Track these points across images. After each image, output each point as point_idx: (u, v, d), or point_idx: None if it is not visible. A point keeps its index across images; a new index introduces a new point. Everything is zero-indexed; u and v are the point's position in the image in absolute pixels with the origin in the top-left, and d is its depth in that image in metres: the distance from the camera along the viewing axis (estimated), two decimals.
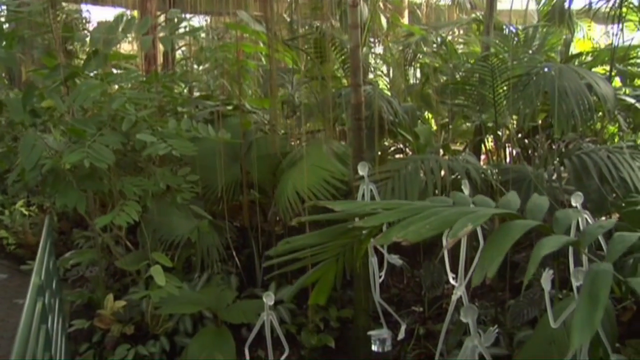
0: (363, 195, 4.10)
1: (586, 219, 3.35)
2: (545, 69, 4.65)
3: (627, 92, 6.33)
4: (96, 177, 4.61)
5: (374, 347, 4.29)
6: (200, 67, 8.03)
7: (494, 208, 2.33)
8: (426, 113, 7.11)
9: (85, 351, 5.22)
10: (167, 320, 5.33)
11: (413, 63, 7.43)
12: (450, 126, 6.62)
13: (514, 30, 6.19)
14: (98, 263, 6.02)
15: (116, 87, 5.59)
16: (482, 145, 6.40)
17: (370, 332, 4.32)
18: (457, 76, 5.69)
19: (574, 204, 3.51)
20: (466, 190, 3.69)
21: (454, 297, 3.32)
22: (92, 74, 4.71)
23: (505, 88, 4.94)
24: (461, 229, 1.87)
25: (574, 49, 7.25)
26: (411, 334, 5.49)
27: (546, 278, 3.13)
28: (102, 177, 4.63)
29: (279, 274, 6.09)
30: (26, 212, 7.88)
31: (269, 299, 3.49)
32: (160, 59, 8.26)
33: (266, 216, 6.79)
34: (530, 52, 5.54)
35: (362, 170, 4.07)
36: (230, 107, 6.28)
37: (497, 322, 5.40)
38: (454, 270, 3.52)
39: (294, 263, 2.53)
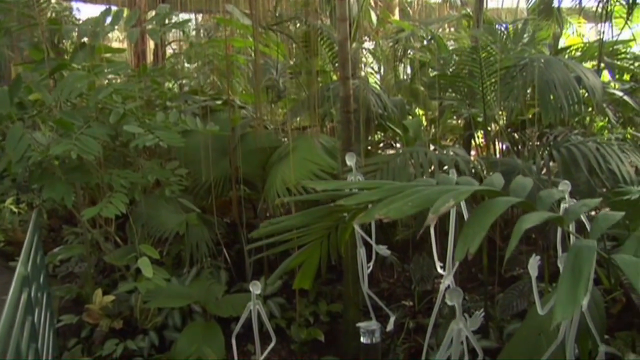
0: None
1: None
2: (534, 62, 4.64)
3: (616, 86, 6.35)
4: (84, 170, 4.58)
5: (362, 339, 4.27)
6: (191, 66, 8.01)
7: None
8: (416, 109, 7.10)
9: (73, 346, 5.19)
10: (156, 314, 5.31)
11: (403, 59, 7.44)
12: (440, 121, 6.62)
13: (503, 26, 6.20)
14: (87, 259, 5.99)
15: (106, 82, 5.57)
16: (472, 141, 6.41)
17: (359, 324, 4.30)
18: (446, 70, 5.68)
19: (560, 190, 3.50)
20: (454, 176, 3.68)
21: (442, 287, 3.31)
22: (79, 67, 4.69)
23: (493, 80, 4.94)
24: (443, 204, 1.86)
25: (563, 44, 7.25)
26: (401, 327, 5.49)
27: (533, 264, 3.12)
28: (90, 170, 4.60)
29: (268, 267, 6.17)
30: (15, 210, 7.83)
31: (255, 287, 3.46)
32: (150, 57, 8.25)
33: (256, 212, 6.78)
34: (520, 45, 5.53)
35: (350, 160, 4.05)
36: (219, 102, 6.26)
37: (488, 315, 5.40)
38: (443, 263, 3.52)
39: (278, 246, 2.51)
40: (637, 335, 5.07)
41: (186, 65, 8.05)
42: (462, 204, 3.64)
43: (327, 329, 5.59)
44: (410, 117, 6.45)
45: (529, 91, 6.38)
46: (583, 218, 2.60)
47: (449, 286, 3.42)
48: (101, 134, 4.41)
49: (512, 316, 5.29)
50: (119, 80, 5.93)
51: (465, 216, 3.71)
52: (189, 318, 5.39)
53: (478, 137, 6.45)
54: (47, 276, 5.58)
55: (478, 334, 5.37)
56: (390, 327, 4.25)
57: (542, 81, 4.38)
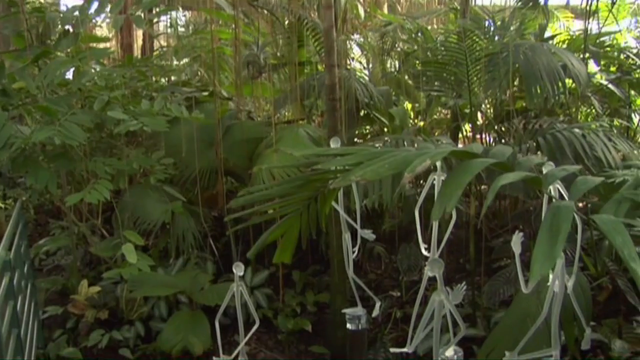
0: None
1: (559, 189, 3.35)
2: (519, 47, 4.65)
3: (602, 78, 6.37)
4: (68, 158, 4.55)
5: (349, 325, 4.26)
6: (180, 63, 7.99)
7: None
8: (404, 102, 7.10)
9: (58, 337, 5.15)
10: (142, 305, 5.29)
11: (391, 53, 7.44)
12: (427, 113, 6.63)
13: (490, 22, 6.21)
14: (73, 251, 5.96)
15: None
16: (459, 133, 6.41)
17: (345, 310, 4.29)
18: (433, 59, 5.68)
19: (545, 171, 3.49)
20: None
21: (426, 271, 3.28)
22: (63, 55, 4.66)
23: (478, 67, 4.95)
24: (420, 164, 1.85)
25: (549, 35, 7.27)
26: (389, 317, 5.49)
27: (516, 241, 3.12)
28: (75, 158, 4.58)
29: (255, 259, 6.15)
30: (2, 205, 7.78)
31: (238, 269, 3.45)
32: (138, 53, 8.23)
33: (244, 206, 6.75)
34: (508, 33, 5.55)
35: (335, 144, 4.04)
36: (205, 94, 6.24)
37: (474, 305, 5.40)
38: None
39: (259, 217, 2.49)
40: (623, 322, 5.08)
41: (175, 62, 8.03)
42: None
43: (314, 319, 5.58)
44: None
45: (516, 83, 6.41)
46: (560, 188, 2.59)
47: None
48: (85, 120, 4.38)
49: (499, 305, 5.29)
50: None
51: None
52: (175, 308, 5.37)
53: (465, 130, 6.45)
54: (32, 267, 5.55)
55: (465, 323, 5.38)
56: (376, 312, 4.23)
57: (526, 66, 4.38)
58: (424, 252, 3.65)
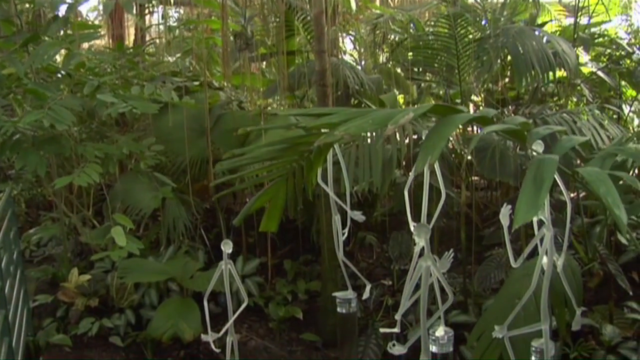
0: None
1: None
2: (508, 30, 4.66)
3: (593, 68, 6.40)
4: (57, 143, 4.55)
5: (339, 309, 4.25)
6: (172, 60, 7.97)
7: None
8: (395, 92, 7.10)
9: (48, 325, 5.13)
10: (133, 293, 5.26)
11: (382, 46, 7.45)
12: (418, 104, 6.62)
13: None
14: (63, 242, 5.94)
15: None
16: None
17: (336, 294, 4.28)
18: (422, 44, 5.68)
19: (534, 152, 3.49)
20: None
21: (417, 249, 3.25)
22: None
23: (468, 53, 4.95)
24: (402, 117, 1.85)
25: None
26: (380, 305, 5.48)
27: (505, 213, 3.12)
28: (64, 144, 4.57)
29: (247, 248, 6.14)
30: None
31: (227, 247, 3.43)
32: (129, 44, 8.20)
33: (235, 196, 6.77)
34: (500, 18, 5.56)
35: None
36: (197, 83, 6.23)
37: (466, 292, 5.40)
38: None
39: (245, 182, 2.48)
40: (614, 309, 5.09)
41: (167, 58, 8.02)
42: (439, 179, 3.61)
43: (305, 307, 5.58)
44: None
45: (508, 74, 6.42)
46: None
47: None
48: (74, 104, 4.38)
49: (490, 291, 5.29)
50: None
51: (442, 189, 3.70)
52: (165, 296, 5.34)
53: None
54: (22, 257, 5.53)
55: (457, 310, 5.39)
56: (366, 295, 4.22)
57: (515, 49, 4.39)
58: (413, 230, 3.64)
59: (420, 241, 2.51)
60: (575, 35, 5.93)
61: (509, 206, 3.13)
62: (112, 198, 5.48)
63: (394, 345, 2.78)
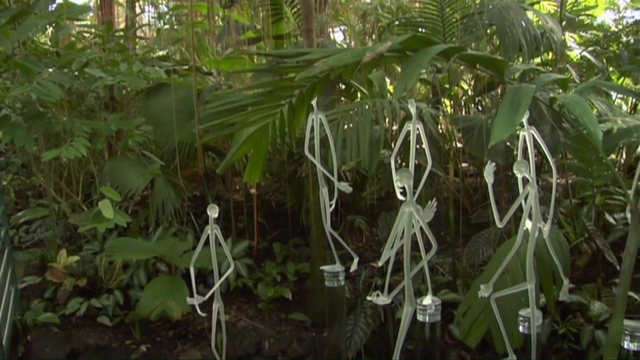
0: (312, 125, 4.08)
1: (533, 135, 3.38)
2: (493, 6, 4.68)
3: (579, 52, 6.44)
4: (45, 119, 4.55)
5: (327, 283, 4.26)
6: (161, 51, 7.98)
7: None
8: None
9: (36, 305, 5.11)
10: (121, 273, 5.25)
11: (373, 35, 7.47)
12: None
13: None
14: (51, 226, 5.92)
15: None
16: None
17: (324, 267, 4.29)
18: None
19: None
20: (412, 108, 3.66)
21: (405, 209, 3.24)
22: None
23: (454, 31, 4.97)
24: (380, 46, 1.86)
25: None
26: (369, 286, 5.48)
27: (489, 171, 3.14)
28: (52, 120, 4.57)
29: (236, 232, 6.15)
30: None
31: (213, 211, 3.44)
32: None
33: (224, 181, 6.78)
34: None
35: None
36: (186, 67, 6.24)
37: (455, 272, 5.42)
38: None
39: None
40: (602, 287, 5.10)
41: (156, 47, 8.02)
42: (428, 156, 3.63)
43: (294, 288, 5.58)
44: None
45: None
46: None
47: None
48: (63, 80, 4.38)
49: (479, 271, 5.30)
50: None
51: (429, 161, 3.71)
52: (154, 277, 5.34)
53: (445, 105, 6.49)
54: (9, 235, 5.50)
55: (445, 289, 5.40)
56: (354, 267, 4.23)
57: (501, 24, 4.42)
58: (400, 197, 3.65)
59: (403, 184, 2.51)
60: (562, 17, 5.97)
61: (493, 164, 3.16)
62: (100, 180, 5.47)
63: (377, 295, 2.79)
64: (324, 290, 4.36)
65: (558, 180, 6.68)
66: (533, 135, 3.33)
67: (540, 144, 3.34)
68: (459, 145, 6.48)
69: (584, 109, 1.80)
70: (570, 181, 5.73)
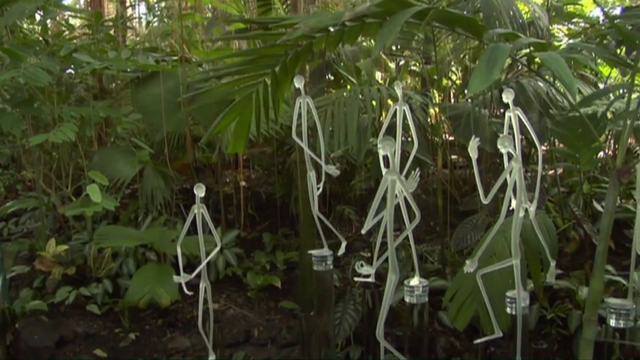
0: (300, 109, 4.08)
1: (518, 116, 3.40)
2: None
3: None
4: (34, 104, 4.55)
5: (315, 267, 4.26)
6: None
7: None
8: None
9: (25, 295, 5.11)
10: (110, 262, 5.24)
11: None
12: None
13: None
14: (40, 217, 5.92)
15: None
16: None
17: (312, 251, 4.29)
18: None
19: (505, 100, 3.52)
20: (399, 90, 3.67)
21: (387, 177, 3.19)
22: None
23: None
24: (359, 6, 1.88)
25: None
26: (358, 275, 5.47)
27: (473, 146, 3.15)
28: (40, 105, 4.58)
29: (226, 223, 6.16)
30: None
31: (200, 190, 3.43)
32: None
33: (214, 173, 6.79)
34: None
35: (299, 82, 4.04)
36: (175, 58, 6.25)
37: (444, 260, 5.43)
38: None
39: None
40: (590, 273, 5.12)
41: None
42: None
43: (284, 277, 5.58)
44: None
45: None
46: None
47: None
48: (51, 66, 4.38)
49: (467, 258, 5.32)
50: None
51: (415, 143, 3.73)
52: (144, 265, 5.33)
53: (435, 96, 6.51)
54: None
55: (434, 276, 5.41)
56: (341, 251, 4.23)
57: (487, 9, 4.43)
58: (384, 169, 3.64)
59: (385, 152, 2.52)
60: (549, 6, 6.00)
61: (477, 138, 3.18)
62: (89, 170, 5.47)
63: (362, 265, 2.80)
64: (314, 281, 4.37)
65: (549, 172, 6.74)
66: (519, 116, 3.36)
67: (526, 124, 3.37)
68: (450, 138, 6.52)
69: (560, 63, 1.82)
70: (560, 171, 5.77)
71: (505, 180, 3.08)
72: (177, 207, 6.18)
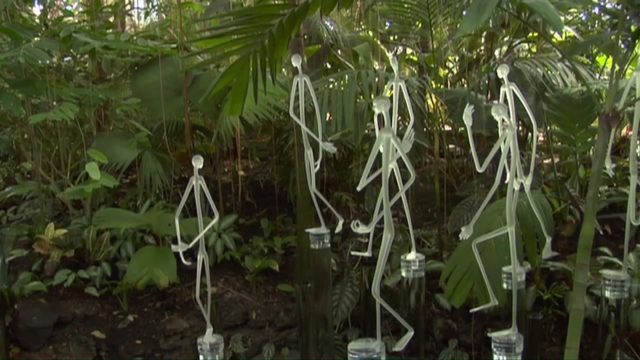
0: (297, 88, 4.11)
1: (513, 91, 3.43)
2: None
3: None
4: (33, 86, 4.59)
5: (312, 245, 4.28)
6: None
7: None
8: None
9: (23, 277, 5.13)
10: (109, 245, 5.26)
11: (361, 23, 7.54)
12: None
13: None
14: (39, 203, 5.94)
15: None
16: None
17: (309, 230, 4.31)
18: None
19: (500, 75, 3.54)
20: (394, 65, 3.71)
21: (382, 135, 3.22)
22: None
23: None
24: None
25: None
26: (356, 259, 5.51)
27: (467, 114, 3.18)
28: (39, 85, 4.61)
29: (224, 209, 6.17)
30: None
31: (197, 162, 3.45)
32: None
33: (212, 161, 6.82)
34: None
35: (296, 62, 4.07)
36: (174, 46, 6.28)
37: (441, 244, 5.46)
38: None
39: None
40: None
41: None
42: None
43: (281, 262, 5.59)
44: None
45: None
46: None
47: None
48: (50, 46, 4.42)
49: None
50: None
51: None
52: (142, 247, 5.35)
53: (432, 85, 6.55)
54: None
55: (431, 259, 5.43)
56: (338, 229, 4.26)
57: None
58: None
59: (380, 111, 2.54)
60: None
61: (472, 106, 3.21)
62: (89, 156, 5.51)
63: (357, 225, 2.81)
64: (311, 261, 4.38)
65: (546, 160, 6.76)
66: (514, 92, 3.38)
67: (521, 99, 3.39)
68: (447, 129, 6.56)
69: (547, 7, 1.87)
70: (557, 160, 5.81)
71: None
72: (176, 196, 6.20)
